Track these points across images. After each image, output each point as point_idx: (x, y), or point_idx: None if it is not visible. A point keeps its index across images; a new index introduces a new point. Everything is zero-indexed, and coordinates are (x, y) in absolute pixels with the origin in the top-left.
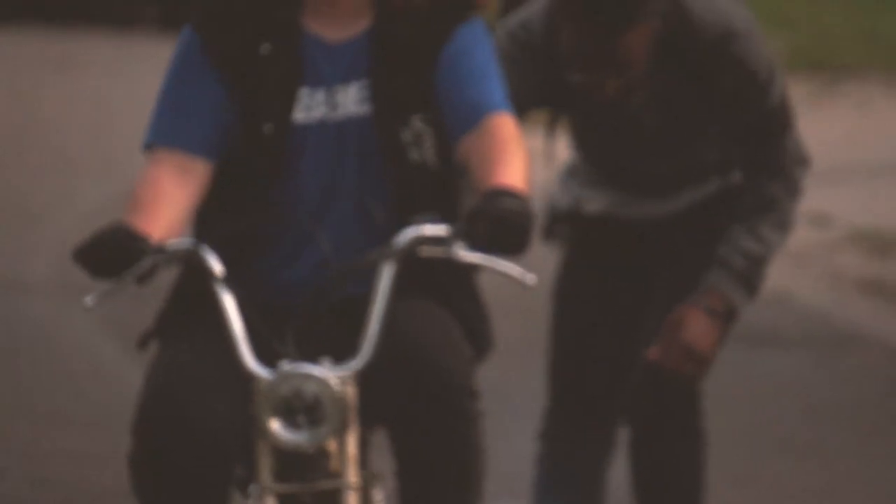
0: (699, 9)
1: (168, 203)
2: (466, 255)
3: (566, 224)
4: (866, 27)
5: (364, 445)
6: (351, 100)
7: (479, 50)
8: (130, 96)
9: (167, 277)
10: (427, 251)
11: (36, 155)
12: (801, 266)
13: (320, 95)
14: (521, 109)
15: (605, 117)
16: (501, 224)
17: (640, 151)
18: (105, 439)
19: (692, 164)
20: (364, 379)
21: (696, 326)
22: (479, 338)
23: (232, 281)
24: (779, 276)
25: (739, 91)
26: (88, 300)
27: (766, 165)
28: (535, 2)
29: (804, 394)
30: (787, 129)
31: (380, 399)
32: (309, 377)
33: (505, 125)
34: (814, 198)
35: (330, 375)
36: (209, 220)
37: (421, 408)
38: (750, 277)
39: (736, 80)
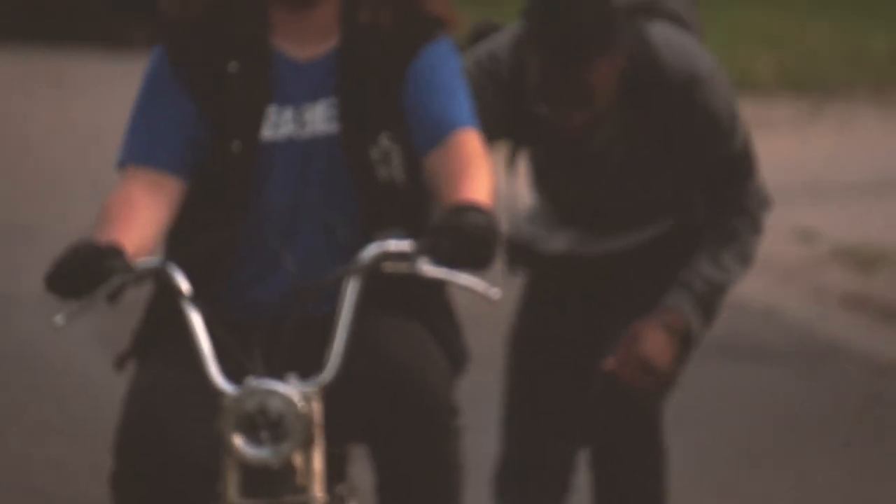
0: (665, 51)
1: (139, 220)
2: (430, 270)
3: (524, 265)
4: (852, 46)
5: (343, 461)
6: (319, 118)
7: (446, 67)
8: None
9: (144, 292)
10: (391, 267)
11: (27, 172)
12: (787, 281)
13: (288, 113)
14: (486, 138)
15: (567, 152)
16: (465, 239)
17: (600, 188)
18: (93, 450)
19: (652, 201)
20: (342, 395)
21: (654, 341)
22: (455, 353)
23: (199, 299)
24: (765, 290)
25: (703, 135)
26: (58, 319)
27: (729, 206)
28: (504, 32)
29: (785, 406)
30: (751, 174)
31: (359, 416)
32: (273, 393)
33: (470, 141)
34: (800, 214)
35: (294, 391)
36: (179, 237)
37: (401, 425)
38: (708, 303)
39: (699, 124)
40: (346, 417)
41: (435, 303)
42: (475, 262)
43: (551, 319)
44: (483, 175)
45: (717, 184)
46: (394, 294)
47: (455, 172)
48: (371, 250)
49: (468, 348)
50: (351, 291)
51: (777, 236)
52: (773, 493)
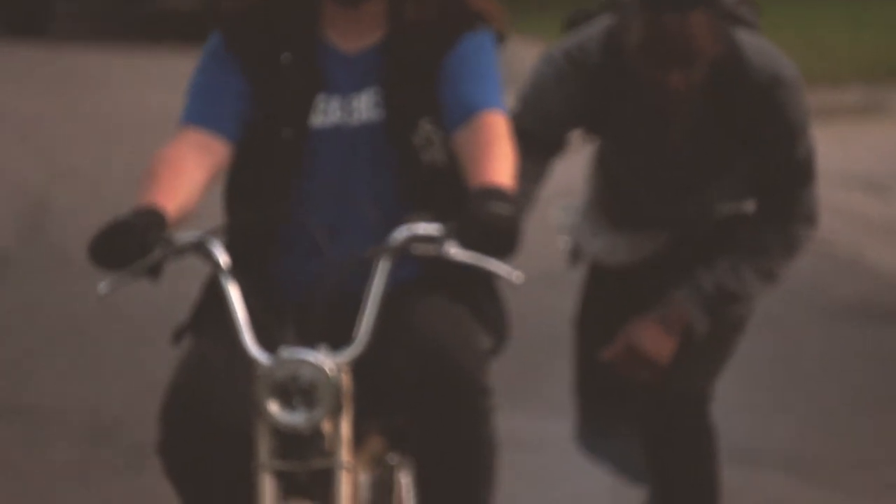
0: (752, 51)
1: (183, 180)
2: (457, 253)
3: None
4: None
5: (396, 433)
6: (364, 106)
7: (480, 55)
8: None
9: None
10: (420, 249)
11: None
12: None
13: (336, 102)
14: (570, 124)
15: (638, 142)
16: (489, 227)
17: (662, 183)
18: None
19: (705, 203)
20: (382, 371)
21: (650, 335)
22: (497, 332)
23: (241, 273)
24: None
25: (774, 137)
26: (102, 287)
27: (777, 213)
28: (594, 24)
29: None
30: (808, 182)
31: (397, 392)
32: (305, 362)
33: (496, 123)
34: None
35: (325, 361)
36: (234, 210)
37: (434, 404)
38: (714, 306)
39: (774, 126)
40: (386, 393)
41: (479, 282)
42: (498, 248)
43: (605, 308)
44: (506, 156)
45: (771, 189)
46: (439, 274)
47: (479, 152)
48: (401, 232)
49: (510, 327)
50: (381, 270)
51: None
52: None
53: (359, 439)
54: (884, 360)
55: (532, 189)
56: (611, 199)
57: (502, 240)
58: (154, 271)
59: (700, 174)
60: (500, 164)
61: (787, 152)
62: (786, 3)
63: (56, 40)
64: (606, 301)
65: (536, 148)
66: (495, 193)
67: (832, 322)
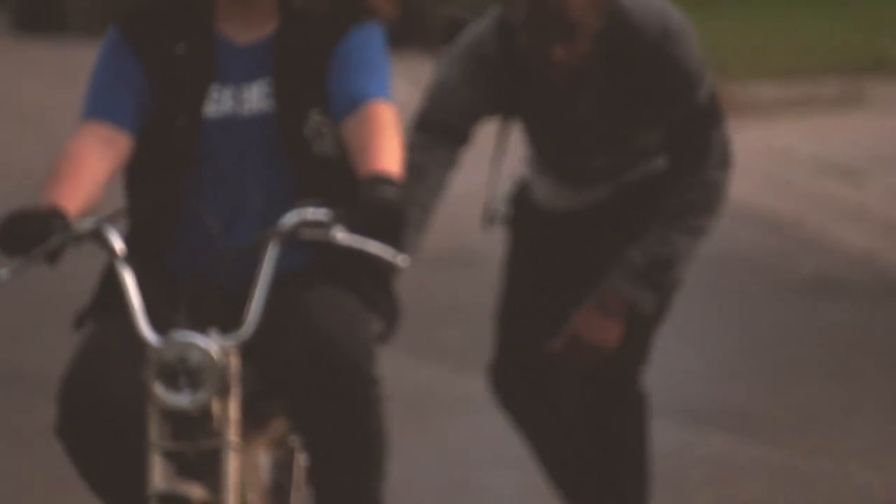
0: (637, 10)
1: (86, 176)
2: (344, 237)
3: (515, 208)
4: None
5: (288, 416)
6: (256, 97)
7: (369, 47)
8: None
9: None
10: (308, 233)
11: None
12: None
13: (229, 92)
14: (478, 118)
15: (552, 117)
16: (375, 211)
17: (584, 147)
18: None
19: (633, 154)
20: (272, 357)
21: (593, 325)
22: (386, 318)
23: (137, 258)
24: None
25: (672, 87)
26: (2, 273)
27: (691, 161)
28: (485, 17)
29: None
30: (716, 125)
31: (287, 380)
32: (192, 345)
33: (383, 112)
34: None
35: (212, 344)
36: (132, 198)
37: (323, 392)
38: (651, 277)
39: (670, 77)
40: (276, 378)
41: (370, 270)
42: (385, 231)
43: (534, 270)
44: (393, 145)
45: (680, 137)
46: (331, 262)
47: (367, 141)
48: (290, 218)
49: (400, 313)
50: (270, 255)
51: None
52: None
53: (261, 421)
54: (834, 331)
55: (443, 176)
56: (545, 163)
57: (388, 223)
58: (52, 257)
59: (617, 136)
60: (387, 152)
61: (688, 100)
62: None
63: (70, 35)
64: (538, 243)
65: (445, 139)
66: (382, 180)
67: (790, 295)
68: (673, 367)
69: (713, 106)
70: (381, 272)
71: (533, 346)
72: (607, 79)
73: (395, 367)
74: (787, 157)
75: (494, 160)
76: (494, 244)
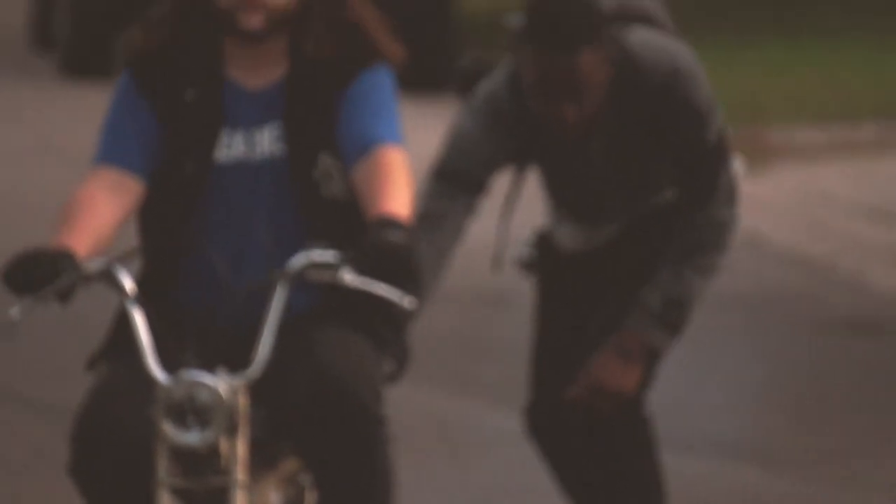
0: (645, 53)
1: (96, 220)
2: (351, 279)
3: (538, 253)
4: None
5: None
6: (267, 140)
7: (378, 91)
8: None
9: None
10: (316, 275)
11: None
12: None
13: (239, 137)
14: (496, 168)
15: (566, 163)
16: (383, 254)
17: (598, 188)
18: None
19: (645, 189)
20: (281, 398)
21: (612, 370)
22: (396, 358)
23: (147, 298)
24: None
25: (682, 127)
26: (13, 312)
27: (699, 198)
28: (498, 71)
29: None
30: (724, 164)
31: (294, 418)
32: (201, 384)
33: (392, 156)
34: None
35: (220, 383)
36: (144, 239)
37: (330, 432)
38: (666, 318)
39: (679, 117)
40: (284, 418)
41: (380, 311)
42: (393, 274)
43: (562, 313)
44: (402, 188)
45: (688, 176)
46: (340, 303)
47: (376, 185)
48: (299, 259)
49: (410, 353)
50: (279, 296)
51: None
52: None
53: (271, 460)
54: (865, 369)
55: (461, 223)
56: (561, 206)
57: (396, 267)
58: (64, 296)
59: (629, 174)
60: (396, 196)
61: (697, 139)
62: (805, 44)
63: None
64: (564, 286)
65: (464, 188)
66: (391, 223)
67: (823, 334)
68: (704, 401)
69: (722, 145)
70: (393, 313)
71: (567, 387)
72: (617, 121)
73: (432, 402)
74: (824, 200)
75: (506, 207)
76: (530, 285)
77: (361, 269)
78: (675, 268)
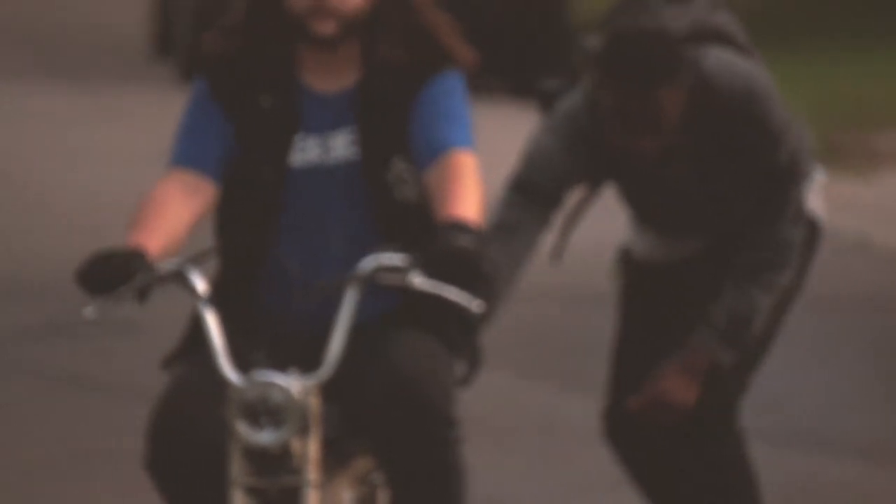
0: (719, 74)
1: (169, 220)
2: (420, 282)
3: (621, 265)
4: None
5: (373, 453)
6: (341, 145)
7: (450, 96)
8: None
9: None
10: (385, 278)
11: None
12: None
13: (314, 141)
14: (573, 184)
15: (644, 181)
16: (453, 259)
17: (677, 204)
18: None
19: (724, 203)
20: (355, 400)
21: (673, 385)
22: (469, 362)
23: (220, 299)
24: None
25: (754, 147)
26: (88, 311)
27: (767, 217)
28: (576, 91)
29: None
30: (794, 184)
31: (367, 419)
32: (273, 385)
33: (464, 161)
34: None
35: (292, 384)
36: (220, 241)
37: (403, 434)
38: (731, 335)
39: (752, 138)
40: (358, 418)
41: (453, 314)
42: (461, 278)
43: (641, 321)
44: (473, 193)
45: (760, 193)
46: (415, 307)
47: (447, 189)
48: (368, 263)
49: (482, 356)
50: (349, 298)
51: None
52: None
53: (344, 459)
54: None
55: (536, 235)
56: (641, 219)
57: (465, 270)
58: (140, 296)
59: (707, 191)
60: (466, 200)
61: (769, 160)
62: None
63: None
64: (645, 296)
65: (540, 201)
66: (460, 226)
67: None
68: (811, 398)
69: (794, 165)
70: (465, 317)
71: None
72: (693, 143)
73: (536, 397)
74: None
75: (571, 218)
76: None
77: (430, 273)
78: (740, 284)
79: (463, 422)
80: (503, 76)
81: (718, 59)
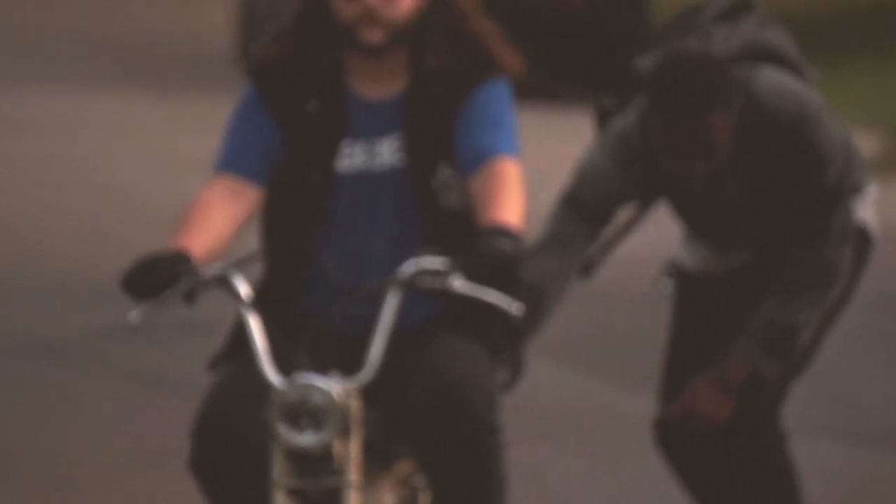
0: (770, 96)
1: (214, 224)
2: (460, 286)
3: (673, 277)
4: None
5: (401, 456)
6: (387, 151)
7: (496, 103)
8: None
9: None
10: (426, 282)
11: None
12: None
13: (361, 147)
14: (624, 202)
15: (696, 200)
16: (493, 262)
17: (729, 219)
18: None
19: (775, 217)
20: (398, 404)
21: (707, 399)
22: (511, 368)
23: (263, 302)
24: None
25: (800, 170)
26: (132, 316)
27: (812, 237)
28: (630, 110)
29: None
30: (840, 206)
31: (410, 422)
32: (314, 387)
33: (507, 168)
34: None
35: (333, 386)
36: (266, 244)
37: (445, 439)
38: (776, 348)
39: (800, 160)
40: (400, 421)
41: (497, 320)
42: (500, 281)
43: (692, 332)
44: (515, 199)
45: (806, 213)
46: (458, 312)
47: (489, 195)
48: (409, 266)
49: (525, 361)
50: (390, 302)
51: None
52: None
53: (386, 461)
54: None
55: (583, 249)
56: (693, 233)
57: (504, 273)
58: (188, 298)
59: (761, 210)
60: (508, 206)
61: (816, 182)
62: None
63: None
64: (696, 308)
65: (590, 217)
66: (501, 231)
67: None
68: (879, 394)
69: (840, 186)
70: (509, 322)
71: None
72: (744, 164)
73: (610, 397)
74: None
75: (620, 232)
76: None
77: (470, 276)
78: (783, 298)
79: (535, 419)
80: (580, 79)
81: (768, 80)
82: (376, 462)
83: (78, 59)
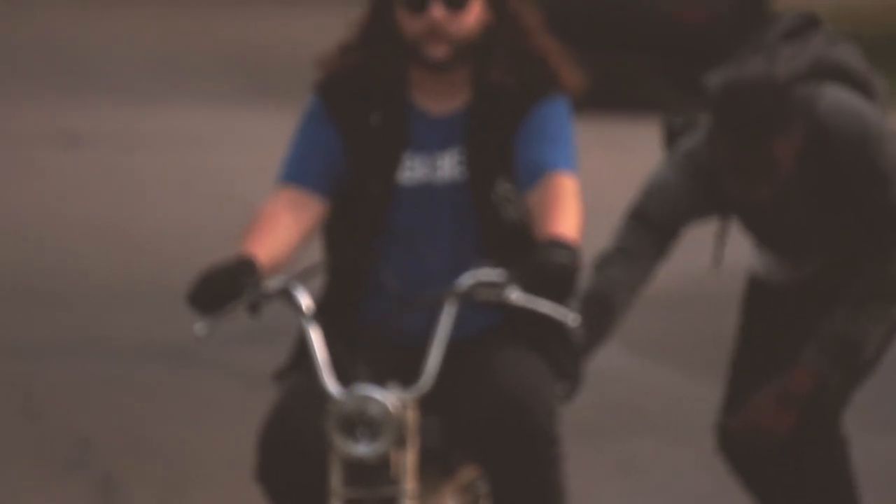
0: (834, 117)
1: (279, 234)
2: (517, 297)
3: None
4: None
5: (464, 462)
6: (448, 165)
7: (555, 119)
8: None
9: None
10: (483, 294)
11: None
12: None
13: (422, 160)
14: (691, 220)
15: (763, 215)
16: (548, 273)
17: (796, 232)
18: None
19: (843, 229)
20: (456, 411)
21: (765, 409)
22: (570, 380)
23: (324, 315)
24: None
25: (864, 188)
26: (199, 328)
27: (877, 255)
28: (698, 130)
29: None
30: None
31: (471, 437)
32: (371, 398)
33: (565, 182)
34: None
35: (390, 397)
36: (328, 255)
37: (505, 451)
38: (839, 357)
39: (864, 179)
40: (461, 431)
41: (556, 332)
42: (556, 292)
43: (760, 340)
44: (572, 213)
45: (869, 232)
46: (518, 323)
47: (548, 209)
48: (466, 278)
49: (583, 374)
50: (447, 313)
51: None
52: None
53: (449, 468)
54: None
55: (651, 264)
56: (762, 244)
57: (560, 285)
58: (252, 310)
59: (826, 226)
60: (565, 219)
61: (880, 200)
62: None
63: None
64: (765, 316)
65: (657, 233)
66: (558, 243)
67: None
68: None
69: None
70: (567, 335)
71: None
72: (808, 184)
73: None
74: None
75: (718, 241)
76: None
77: (527, 288)
78: (849, 311)
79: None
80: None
81: (831, 100)
82: (438, 469)
83: (212, 76)
